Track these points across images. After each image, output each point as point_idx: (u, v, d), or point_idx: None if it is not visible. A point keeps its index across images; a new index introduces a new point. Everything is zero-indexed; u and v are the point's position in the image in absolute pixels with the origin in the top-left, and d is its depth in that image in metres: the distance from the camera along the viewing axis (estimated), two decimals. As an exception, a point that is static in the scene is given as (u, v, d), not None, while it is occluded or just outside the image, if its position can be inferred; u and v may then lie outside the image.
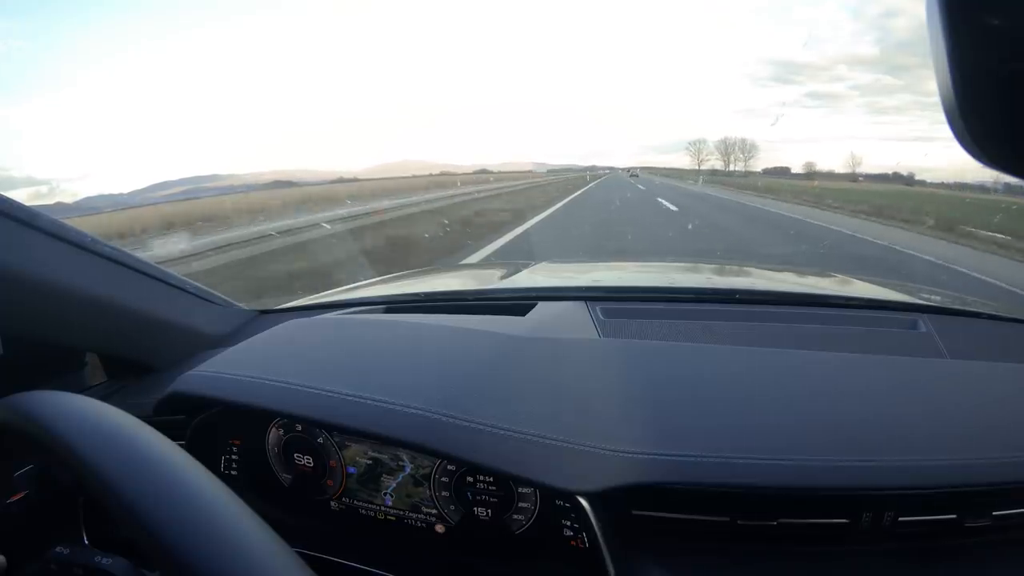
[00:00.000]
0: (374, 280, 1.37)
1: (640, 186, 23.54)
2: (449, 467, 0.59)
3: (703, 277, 1.14)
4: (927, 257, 5.73)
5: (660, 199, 13.86)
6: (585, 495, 0.50)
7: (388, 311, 0.94)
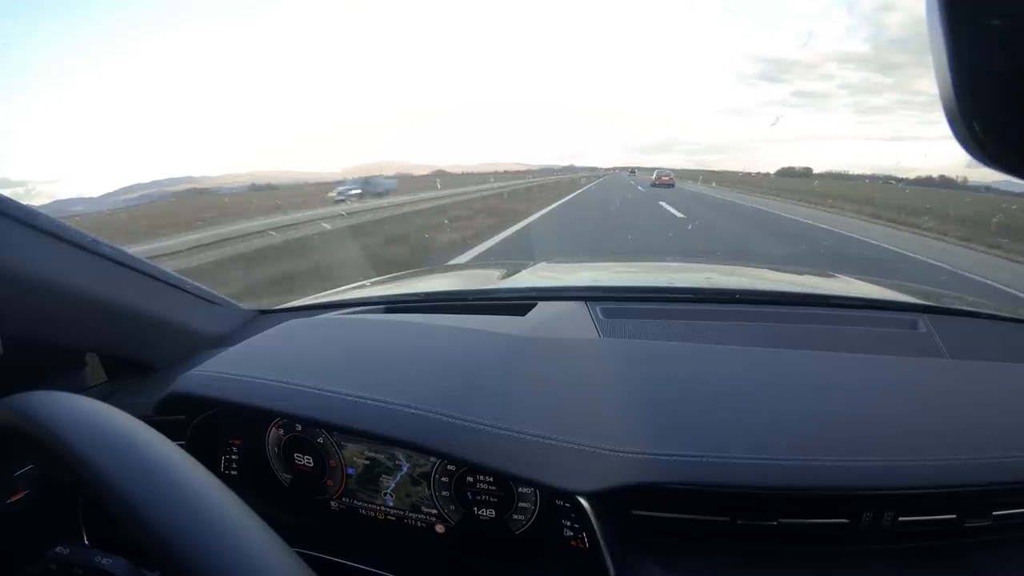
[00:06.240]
0: (374, 280, 1.37)
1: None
2: (449, 467, 0.59)
3: (703, 277, 1.14)
4: None
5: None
6: (585, 495, 0.50)
7: (388, 311, 0.94)
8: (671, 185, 26.76)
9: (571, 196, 18.16)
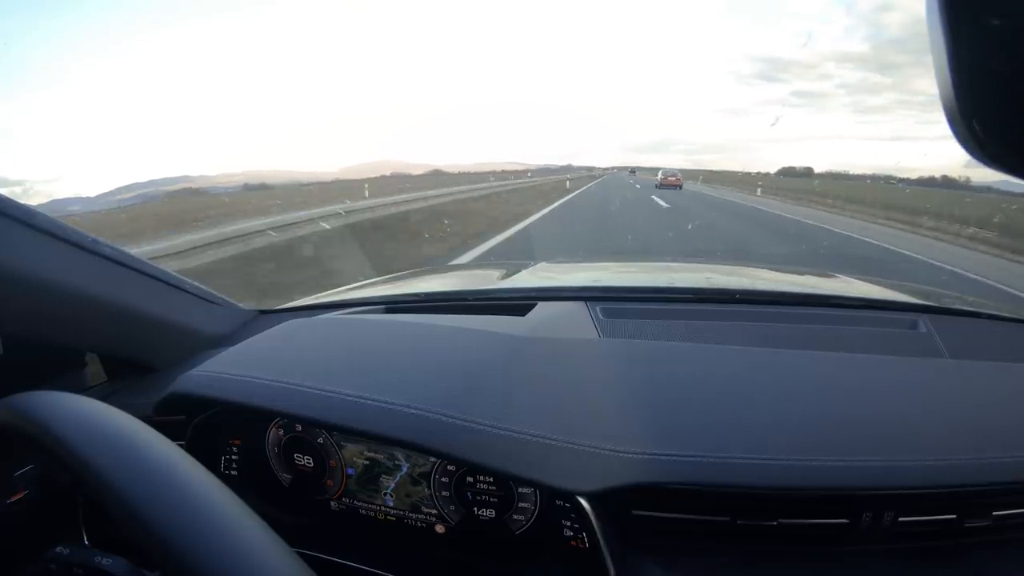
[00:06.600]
0: (374, 280, 1.37)
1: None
2: (449, 467, 0.59)
3: (703, 277, 1.14)
4: None
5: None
6: (585, 495, 0.50)
7: (388, 311, 0.94)
8: (679, 186, 24.69)
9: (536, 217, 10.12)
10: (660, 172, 28.43)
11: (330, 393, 0.57)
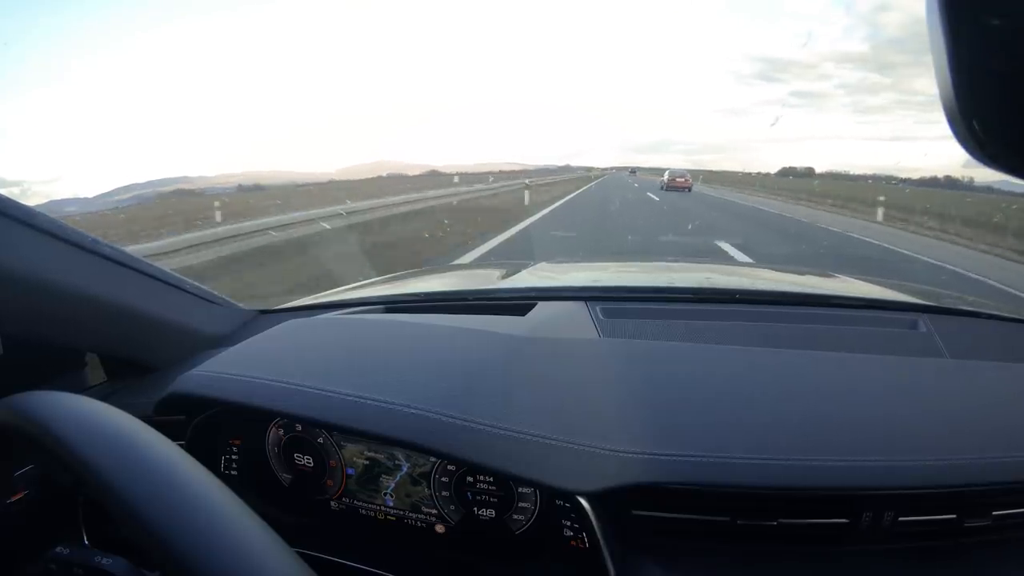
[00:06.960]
0: (374, 280, 1.37)
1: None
2: (449, 467, 0.59)
3: (703, 277, 1.14)
4: None
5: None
6: (585, 495, 0.50)
7: (388, 311, 0.94)
8: (688, 188, 22.08)
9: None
10: (666, 172, 24.54)
11: (330, 393, 0.57)
